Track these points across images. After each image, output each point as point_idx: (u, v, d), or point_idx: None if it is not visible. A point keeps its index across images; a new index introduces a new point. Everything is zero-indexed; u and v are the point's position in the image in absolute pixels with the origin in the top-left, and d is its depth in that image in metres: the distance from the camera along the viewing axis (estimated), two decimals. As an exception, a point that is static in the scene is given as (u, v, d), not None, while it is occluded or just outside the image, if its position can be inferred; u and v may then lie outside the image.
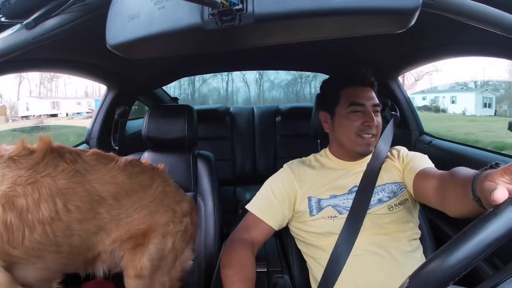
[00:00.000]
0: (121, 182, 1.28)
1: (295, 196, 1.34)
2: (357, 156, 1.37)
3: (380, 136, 1.38)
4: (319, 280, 1.26)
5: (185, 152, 1.82)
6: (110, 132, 2.14)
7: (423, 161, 1.33)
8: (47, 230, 1.09)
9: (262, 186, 1.41)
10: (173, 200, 1.43)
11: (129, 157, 1.40)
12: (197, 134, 1.84)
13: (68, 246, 1.15)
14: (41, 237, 1.09)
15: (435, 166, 1.43)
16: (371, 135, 1.32)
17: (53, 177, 1.13)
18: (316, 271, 1.30)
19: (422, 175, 1.25)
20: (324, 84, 1.53)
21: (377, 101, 1.35)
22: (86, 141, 2.18)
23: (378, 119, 1.33)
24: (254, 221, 1.34)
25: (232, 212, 2.90)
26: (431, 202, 1.19)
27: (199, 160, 1.83)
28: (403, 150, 1.42)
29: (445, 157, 1.81)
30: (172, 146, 1.79)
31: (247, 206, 1.38)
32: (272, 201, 1.35)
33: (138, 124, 2.61)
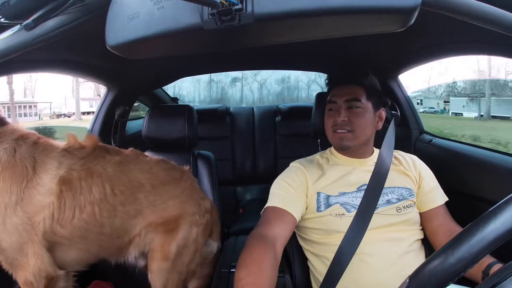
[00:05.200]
0: (157, 173, 1.44)
1: (308, 190, 1.33)
2: (346, 151, 1.39)
3: (384, 137, 1.38)
4: (320, 279, 1.26)
5: (185, 152, 1.82)
6: (110, 133, 2.14)
7: (437, 191, 1.38)
8: (95, 211, 1.26)
9: (274, 184, 1.37)
10: (199, 195, 1.55)
11: (159, 158, 1.53)
12: (197, 134, 1.84)
13: (110, 228, 1.31)
14: (89, 216, 1.25)
15: (435, 164, 1.44)
16: (345, 130, 1.33)
17: (102, 166, 1.31)
18: (319, 269, 1.30)
19: (435, 215, 1.35)
20: None
21: (354, 96, 1.34)
22: None
23: (353, 114, 1.34)
24: (275, 213, 1.25)
25: (232, 212, 2.91)
26: (434, 241, 1.33)
27: (199, 160, 1.84)
28: (418, 162, 1.43)
29: (445, 156, 1.81)
30: (172, 146, 1.80)
31: (266, 204, 1.31)
32: (290, 191, 1.31)
33: (138, 124, 2.61)
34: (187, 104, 2.30)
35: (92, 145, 1.34)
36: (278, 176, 1.39)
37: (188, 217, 1.45)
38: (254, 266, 1.04)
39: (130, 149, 1.46)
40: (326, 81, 1.48)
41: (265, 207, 1.30)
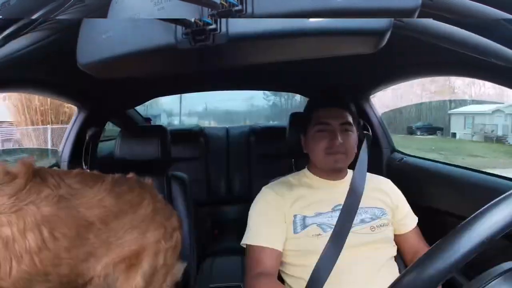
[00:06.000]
0: (109, 205, 1.23)
1: (285, 216, 1.31)
2: (330, 173, 1.39)
3: (358, 158, 1.40)
4: None
5: (159, 173, 1.79)
6: (81, 155, 2.09)
7: (409, 216, 1.44)
8: (35, 260, 1.06)
9: (250, 216, 1.36)
10: (163, 216, 1.39)
11: (116, 175, 1.36)
12: (171, 155, 1.82)
13: (57, 276, 1.11)
14: (29, 267, 1.05)
15: (406, 181, 1.47)
16: (340, 153, 1.33)
17: (36, 205, 1.08)
18: None
19: (407, 238, 1.41)
20: (305, 108, 1.54)
21: (347, 119, 1.36)
22: (57, 165, 2.12)
23: (347, 137, 1.34)
24: (262, 252, 1.27)
25: (208, 233, 2.87)
26: (405, 260, 1.41)
27: (173, 182, 1.81)
28: (391, 186, 1.47)
29: (416, 173, 1.85)
30: (145, 168, 1.76)
31: (246, 242, 1.31)
32: (271, 225, 1.30)
33: (110, 145, 2.56)
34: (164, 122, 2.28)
35: (25, 175, 1.10)
36: (254, 206, 1.38)
37: (151, 247, 1.31)
38: None
39: (76, 171, 1.27)
40: (307, 103, 1.50)
41: (249, 244, 1.30)
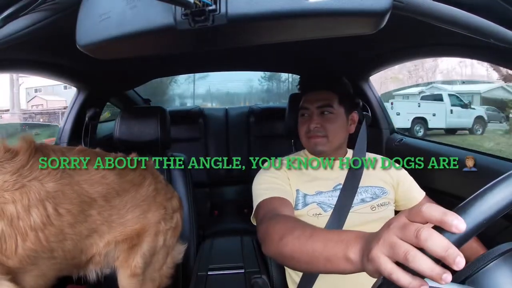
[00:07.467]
0: (111, 182, 1.24)
1: (290, 184, 1.32)
2: (316, 155, 1.40)
3: (357, 139, 1.41)
4: (297, 280, 1.26)
5: (158, 154, 1.80)
6: (81, 136, 2.09)
7: (415, 189, 1.43)
8: (40, 237, 1.05)
9: (259, 181, 1.33)
10: (164, 197, 1.41)
11: (118, 154, 1.37)
12: (171, 136, 1.82)
13: (61, 251, 1.12)
14: (34, 244, 1.05)
15: (406, 162, 1.47)
16: (318, 136, 1.35)
17: (40, 181, 1.07)
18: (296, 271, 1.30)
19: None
20: None
21: (326, 102, 1.35)
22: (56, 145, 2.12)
23: (326, 120, 1.35)
24: (277, 201, 1.22)
25: (207, 214, 2.89)
26: None
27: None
28: (389, 163, 1.46)
29: (416, 154, 1.85)
30: (145, 148, 1.77)
31: (259, 200, 1.25)
32: (280, 183, 1.30)
33: (109, 127, 2.56)
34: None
35: (26, 151, 1.09)
36: (260, 173, 1.37)
37: (152, 227, 1.33)
38: (288, 230, 0.93)
39: (78, 148, 1.26)
40: (298, 86, 1.49)
41: (260, 201, 1.24)
